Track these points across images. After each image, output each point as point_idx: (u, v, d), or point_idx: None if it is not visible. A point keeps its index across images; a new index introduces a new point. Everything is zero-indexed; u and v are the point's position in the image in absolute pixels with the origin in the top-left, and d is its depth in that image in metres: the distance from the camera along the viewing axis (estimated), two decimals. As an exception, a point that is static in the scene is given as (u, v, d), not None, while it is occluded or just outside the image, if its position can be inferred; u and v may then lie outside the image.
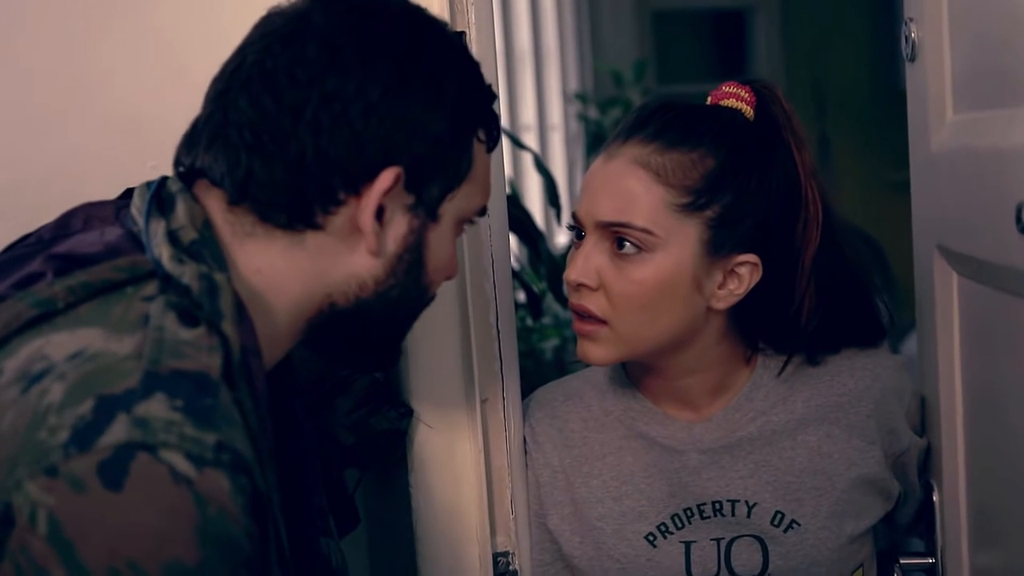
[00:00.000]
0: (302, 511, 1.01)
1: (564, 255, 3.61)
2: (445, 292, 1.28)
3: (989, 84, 1.13)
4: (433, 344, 1.30)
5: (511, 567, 1.35)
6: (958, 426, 1.27)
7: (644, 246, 1.20)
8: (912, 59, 1.30)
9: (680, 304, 1.22)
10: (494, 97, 1.04)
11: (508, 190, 3.00)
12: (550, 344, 3.25)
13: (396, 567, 1.39)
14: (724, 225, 1.21)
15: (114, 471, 0.79)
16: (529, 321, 2.99)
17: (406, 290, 1.00)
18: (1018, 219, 0.99)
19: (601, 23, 5.44)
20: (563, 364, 3.02)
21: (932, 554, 1.36)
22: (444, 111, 0.97)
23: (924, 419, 1.36)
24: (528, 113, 4.71)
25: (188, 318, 0.87)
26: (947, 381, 1.28)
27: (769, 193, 1.23)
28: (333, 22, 0.95)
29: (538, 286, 2.87)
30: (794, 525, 1.27)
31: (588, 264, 1.22)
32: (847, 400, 1.31)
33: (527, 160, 3.91)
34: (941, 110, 1.24)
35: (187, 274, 0.90)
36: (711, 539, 1.28)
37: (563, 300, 2.95)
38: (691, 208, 1.20)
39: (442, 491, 1.32)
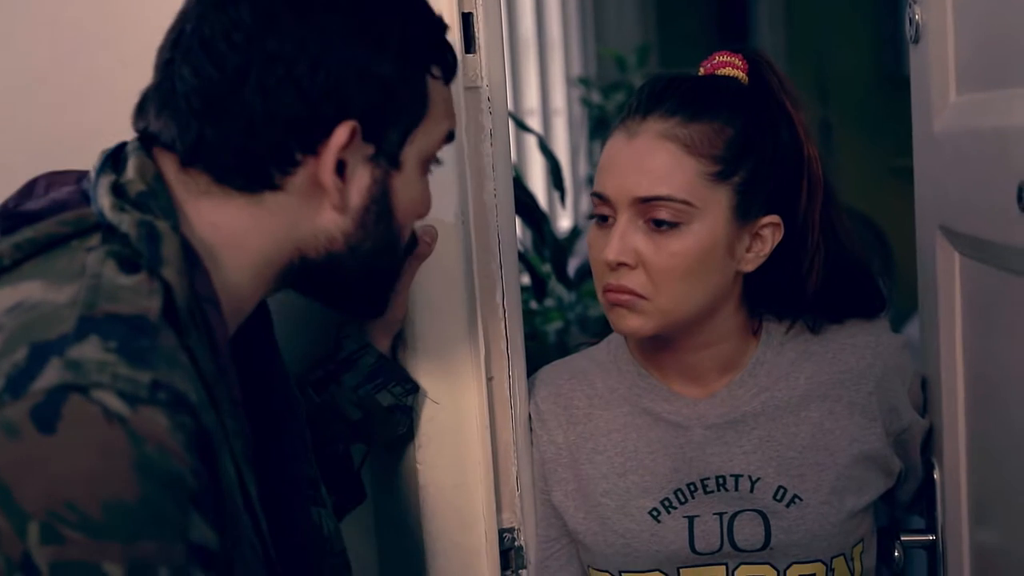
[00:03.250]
0: (286, 477, 1.01)
1: (568, 238, 3.62)
2: (452, 270, 1.30)
3: (992, 65, 1.14)
4: (440, 323, 1.31)
5: (516, 543, 1.37)
6: (959, 405, 1.28)
7: (681, 218, 1.22)
8: (916, 41, 1.31)
9: (716, 272, 1.24)
10: (444, 27, 1.01)
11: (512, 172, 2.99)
12: (553, 327, 3.26)
13: (402, 543, 1.40)
14: (749, 190, 1.24)
15: (47, 414, 0.79)
16: (533, 304, 2.99)
17: (378, 240, 1.00)
18: (1019, 198, 1.00)
19: (604, 8, 5.43)
20: (566, 346, 3.02)
21: (932, 531, 1.37)
22: (390, 54, 0.95)
23: (927, 399, 1.37)
24: (531, 97, 4.71)
25: (128, 265, 0.87)
26: (949, 360, 1.29)
27: (782, 154, 1.26)
28: None
29: (542, 269, 2.88)
30: (796, 500, 1.28)
31: (625, 243, 1.23)
32: (849, 377, 1.32)
33: (531, 143, 3.91)
34: (944, 91, 1.25)
35: (125, 222, 0.90)
36: (714, 513, 1.29)
37: (567, 282, 2.95)
38: (721, 176, 1.22)
39: (448, 467, 1.33)
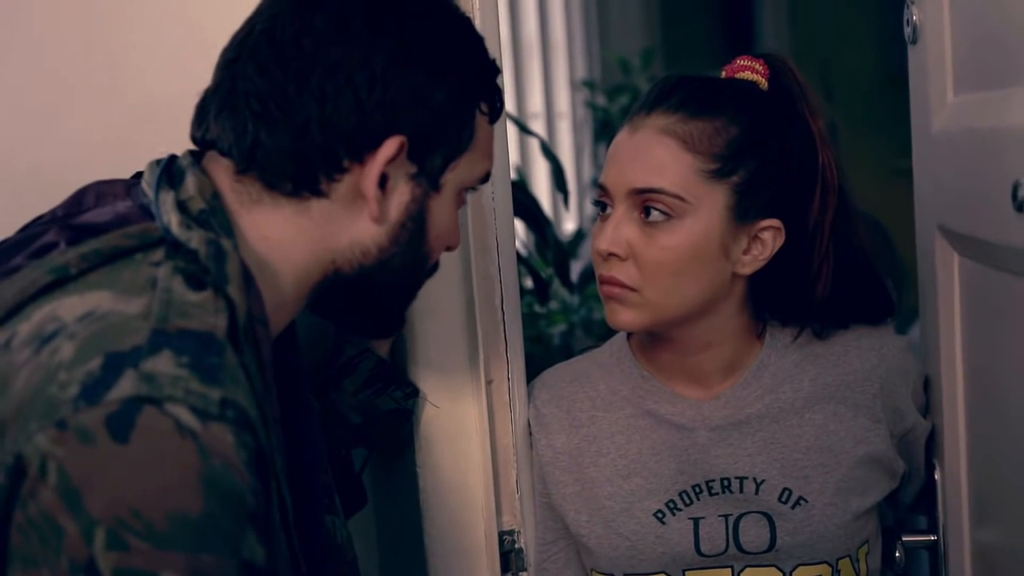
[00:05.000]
0: (306, 487, 1.03)
1: (571, 242, 3.63)
2: (451, 274, 1.30)
3: (988, 65, 1.14)
4: (439, 326, 1.31)
5: (516, 545, 1.37)
6: (959, 404, 1.28)
7: (674, 213, 1.22)
8: (914, 42, 1.31)
9: (708, 270, 1.24)
10: (497, 71, 1.05)
11: (515, 176, 3.00)
12: (557, 330, 3.26)
13: (403, 545, 1.40)
14: (749, 191, 1.23)
15: (121, 424, 0.81)
16: (536, 307, 3.00)
17: (408, 258, 1.02)
18: (1014, 196, 1.00)
19: (608, 11, 5.44)
20: (570, 350, 3.03)
21: (934, 532, 1.37)
22: (447, 82, 0.98)
23: (928, 400, 1.37)
24: (535, 101, 4.72)
25: (195, 282, 0.89)
26: (948, 360, 1.29)
27: (790, 160, 1.25)
28: None
29: (545, 272, 2.88)
30: (801, 502, 1.28)
31: (618, 233, 1.23)
32: (853, 379, 1.32)
33: (534, 147, 3.92)
34: (942, 92, 1.25)
35: (194, 239, 0.92)
36: (719, 515, 1.29)
37: (570, 286, 2.95)
38: (718, 174, 1.22)
39: (448, 470, 1.33)
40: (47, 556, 0.81)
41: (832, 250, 1.28)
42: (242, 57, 0.97)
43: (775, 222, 1.25)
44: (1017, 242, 1.03)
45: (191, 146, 1.02)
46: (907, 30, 1.31)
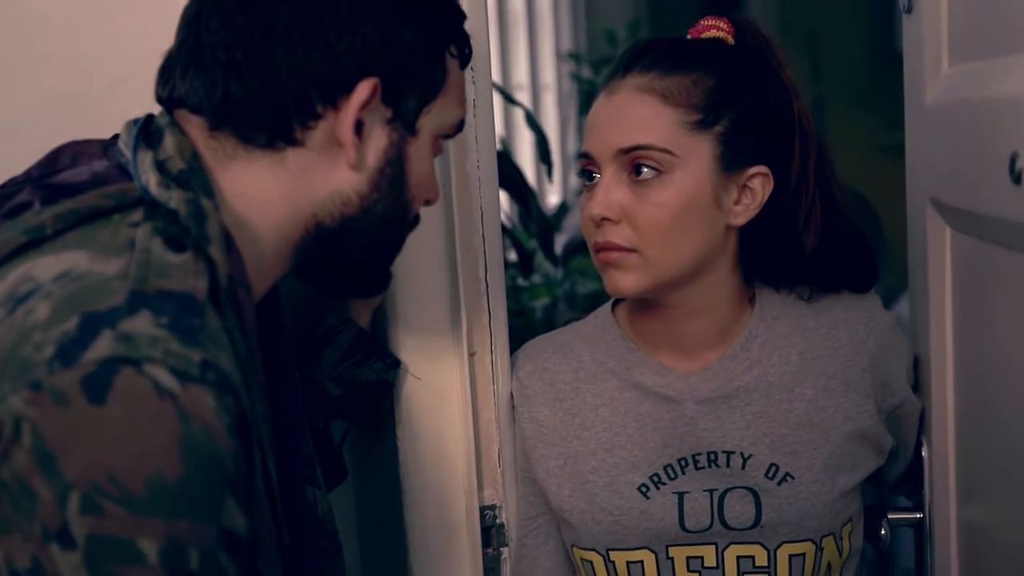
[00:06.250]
0: (284, 457, 1.01)
1: (555, 215, 3.61)
2: (434, 244, 1.28)
3: (985, 34, 1.12)
4: (421, 297, 1.30)
5: (498, 520, 1.35)
6: (948, 382, 1.27)
7: (663, 167, 1.22)
8: (908, 10, 1.29)
9: (703, 223, 1.24)
10: (464, 17, 1.05)
11: (499, 147, 2.98)
12: (540, 303, 3.24)
13: (383, 520, 1.38)
14: (733, 139, 1.24)
15: (97, 385, 0.79)
16: (520, 280, 2.98)
17: (390, 205, 1.01)
18: (1011, 168, 0.98)
19: (595, -18, 5.40)
20: (553, 323, 3.01)
21: (920, 509, 1.36)
22: (416, 23, 0.98)
23: (918, 378, 1.35)
24: (521, 72, 4.69)
25: (175, 243, 0.88)
26: (938, 337, 1.28)
27: (767, 107, 1.27)
28: None
29: (529, 244, 2.86)
30: (788, 478, 1.27)
31: (609, 196, 1.23)
32: (843, 354, 1.31)
33: (519, 118, 3.89)
34: (937, 62, 1.23)
35: (174, 199, 0.91)
36: (704, 490, 1.28)
37: (554, 259, 2.94)
38: (701, 125, 1.23)
39: (429, 444, 1.31)
40: (19, 521, 0.80)
41: (819, 199, 1.28)
42: (204, 12, 0.96)
43: (763, 168, 1.26)
44: (1013, 215, 1.02)
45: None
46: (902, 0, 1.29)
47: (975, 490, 1.25)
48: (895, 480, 1.41)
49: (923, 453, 1.34)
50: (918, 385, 1.35)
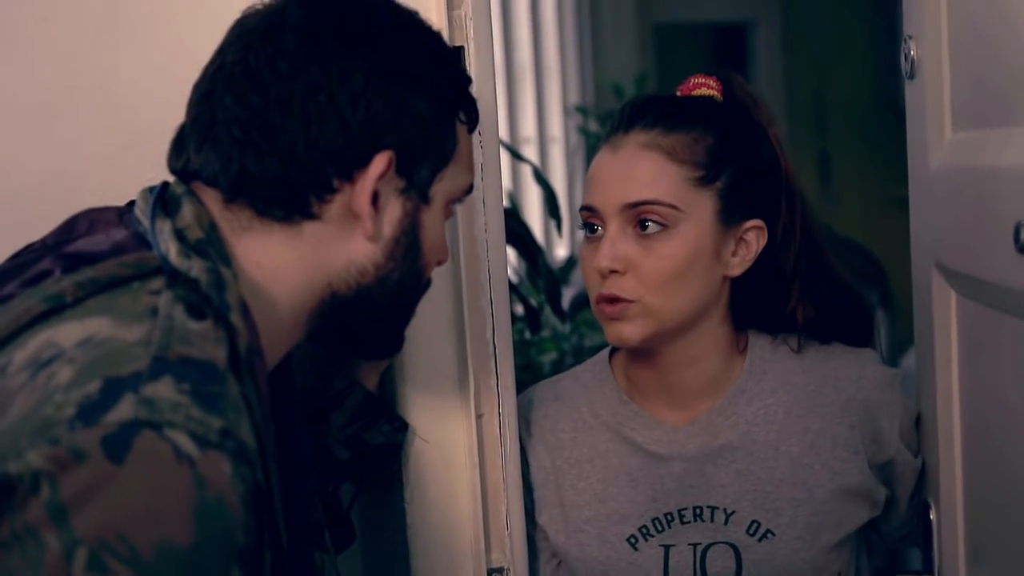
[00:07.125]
0: (297, 522, 1.01)
1: (563, 269, 3.61)
2: (442, 306, 1.28)
3: (988, 103, 1.13)
4: (429, 359, 1.30)
5: (505, 583, 1.35)
6: (956, 444, 1.27)
7: (669, 222, 1.26)
8: (911, 77, 1.30)
9: (703, 274, 1.28)
10: (469, 81, 1.06)
11: (507, 203, 2.99)
12: (548, 358, 3.24)
13: (390, 582, 1.38)
14: (732, 194, 1.28)
15: (117, 445, 0.79)
16: (527, 334, 2.98)
17: (405, 273, 1.02)
18: (1016, 238, 0.99)
19: (602, 36, 5.45)
20: (561, 378, 3.01)
21: (929, 572, 1.35)
22: (426, 93, 0.99)
23: (921, 438, 1.35)
24: (528, 126, 4.72)
25: (196, 311, 0.89)
26: (945, 399, 1.27)
27: (760, 163, 1.32)
28: (310, 14, 0.97)
29: (536, 299, 2.86)
30: (769, 535, 1.29)
31: (615, 250, 1.27)
32: (830, 411, 1.32)
33: (527, 173, 3.91)
34: (940, 128, 1.24)
35: (195, 268, 0.91)
36: (689, 544, 1.30)
37: (561, 314, 2.94)
38: (704, 181, 1.27)
39: (437, 506, 1.31)
40: (24, 571, 0.79)
41: (805, 248, 1.33)
42: (217, 89, 0.97)
43: (758, 222, 1.30)
44: (1019, 284, 1.02)
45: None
46: (905, 65, 1.31)
47: (984, 553, 1.25)
48: (901, 534, 1.41)
49: (931, 516, 1.33)
50: (920, 444, 1.35)
